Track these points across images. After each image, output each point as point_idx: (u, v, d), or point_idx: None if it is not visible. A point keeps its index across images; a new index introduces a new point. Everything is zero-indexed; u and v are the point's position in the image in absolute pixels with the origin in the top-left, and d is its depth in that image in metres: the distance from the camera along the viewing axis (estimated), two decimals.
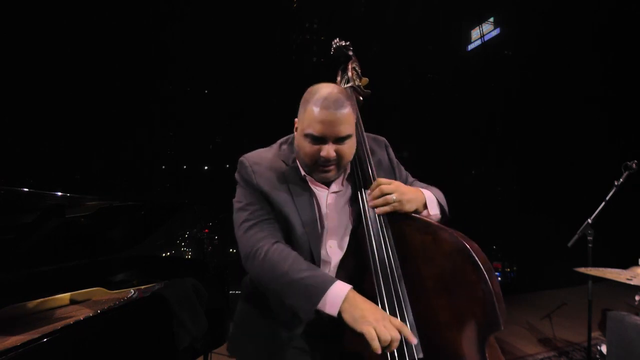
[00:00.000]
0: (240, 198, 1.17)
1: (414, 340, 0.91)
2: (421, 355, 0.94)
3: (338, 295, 0.94)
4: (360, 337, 0.89)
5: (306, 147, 1.06)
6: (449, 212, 1.21)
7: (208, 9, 4.41)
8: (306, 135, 1.05)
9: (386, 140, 1.34)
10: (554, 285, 4.89)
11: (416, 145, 4.71)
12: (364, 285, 1.03)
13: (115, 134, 4.25)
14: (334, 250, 1.17)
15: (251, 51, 4.59)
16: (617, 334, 1.85)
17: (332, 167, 1.08)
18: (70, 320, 1.52)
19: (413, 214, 1.09)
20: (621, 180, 2.43)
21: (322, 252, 1.15)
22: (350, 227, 1.19)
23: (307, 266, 1.02)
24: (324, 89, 1.06)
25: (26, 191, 1.44)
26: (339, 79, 1.37)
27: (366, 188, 1.14)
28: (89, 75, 4.01)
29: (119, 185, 4.38)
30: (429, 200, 1.14)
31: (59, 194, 1.57)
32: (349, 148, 1.08)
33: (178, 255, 4.86)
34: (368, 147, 1.21)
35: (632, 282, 1.87)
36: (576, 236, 2.46)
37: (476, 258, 0.95)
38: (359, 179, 1.16)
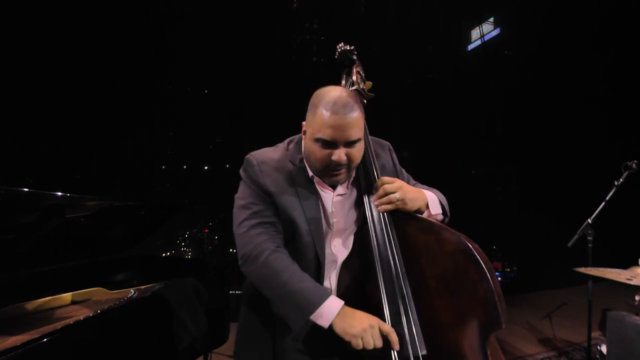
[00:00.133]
0: (243, 195, 1.16)
1: (396, 347, 0.95)
2: (425, 352, 0.95)
3: (332, 310, 0.98)
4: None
5: (317, 151, 1.06)
6: (449, 212, 1.21)
7: (208, 9, 4.42)
8: (317, 140, 1.04)
9: (390, 144, 1.35)
10: (554, 285, 4.89)
11: (416, 145, 4.71)
12: (368, 284, 1.05)
13: (115, 134, 4.26)
14: (339, 249, 1.17)
15: (251, 51, 4.59)
16: (617, 334, 1.85)
17: (342, 171, 1.08)
18: (70, 320, 1.52)
19: (416, 214, 1.10)
20: (621, 180, 2.42)
21: (327, 251, 1.16)
22: (354, 228, 1.20)
23: (305, 277, 1.03)
24: (333, 93, 1.05)
25: (26, 191, 1.44)
26: (343, 82, 1.38)
27: (371, 192, 1.14)
28: (89, 75, 4.01)
29: (119, 185, 4.38)
30: (430, 200, 1.15)
31: (59, 194, 1.57)
32: (358, 151, 1.08)
33: (178, 255, 4.86)
34: (373, 150, 1.21)
35: (632, 282, 1.87)
36: (576, 236, 2.46)
37: (478, 258, 0.96)
38: (364, 182, 1.17)
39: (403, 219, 1.09)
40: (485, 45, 5.35)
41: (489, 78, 5.16)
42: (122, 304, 1.58)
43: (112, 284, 2.12)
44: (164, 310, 1.69)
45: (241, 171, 1.19)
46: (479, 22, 5.33)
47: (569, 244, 2.48)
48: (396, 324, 0.99)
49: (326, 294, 1.00)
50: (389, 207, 1.08)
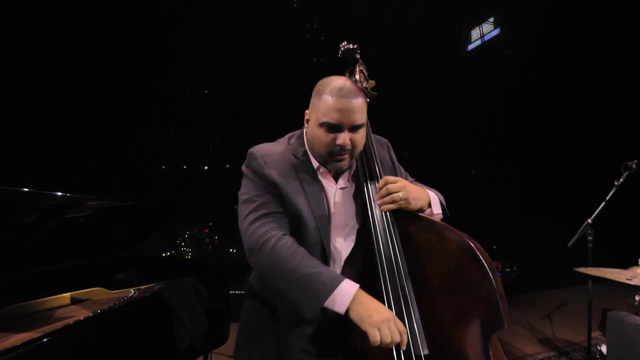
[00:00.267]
0: (246, 190, 1.15)
1: (404, 347, 0.93)
2: (427, 352, 0.95)
3: (347, 294, 0.94)
4: (365, 336, 0.91)
5: (322, 136, 1.08)
6: (449, 212, 1.21)
7: (208, 9, 4.42)
8: (321, 124, 1.07)
9: (388, 142, 1.35)
10: (554, 285, 4.89)
11: (416, 145, 4.71)
12: (370, 282, 1.04)
13: (115, 134, 4.26)
14: (341, 244, 1.17)
15: (251, 51, 4.59)
16: (617, 334, 1.85)
17: (346, 156, 1.09)
18: (70, 320, 1.52)
19: (418, 213, 1.10)
20: (621, 180, 2.42)
21: (331, 246, 1.15)
22: (356, 223, 1.20)
23: (316, 263, 1.01)
24: (337, 81, 1.09)
25: (26, 191, 1.44)
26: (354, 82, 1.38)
27: (373, 189, 1.14)
28: (89, 75, 4.01)
29: (119, 185, 4.38)
30: (432, 200, 1.16)
31: (59, 194, 1.57)
32: (361, 137, 1.10)
33: (178, 255, 4.87)
34: (375, 145, 1.22)
35: (632, 282, 1.87)
36: (576, 236, 2.46)
37: (481, 257, 0.96)
38: (366, 179, 1.17)
39: (405, 217, 1.09)
40: (485, 45, 5.35)
41: (489, 78, 5.16)
42: (122, 304, 1.58)
43: (112, 284, 2.12)
44: (164, 310, 1.69)
45: (243, 167, 1.19)
46: (479, 22, 5.33)
47: (569, 244, 2.48)
48: None
49: (340, 278, 0.97)
50: (392, 206, 1.08)
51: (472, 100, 5.08)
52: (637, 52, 4.95)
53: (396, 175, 1.30)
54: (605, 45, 5.00)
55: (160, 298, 1.71)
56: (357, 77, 1.33)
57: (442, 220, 1.16)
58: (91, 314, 1.47)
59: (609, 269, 2.11)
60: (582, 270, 2.14)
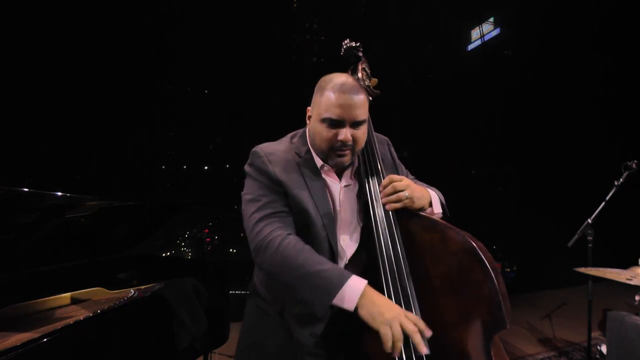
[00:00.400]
0: (250, 190, 1.15)
1: (429, 333, 0.90)
2: (428, 352, 0.93)
3: (355, 290, 0.94)
4: (375, 335, 0.89)
5: (323, 131, 1.08)
6: (449, 211, 1.22)
7: (208, 9, 4.42)
8: (323, 120, 1.07)
9: (388, 140, 1.36)
10: (554, 285, 4.88)
11: (416, 145, 4.71)
12: (373, 282, 1.03)
13: (115, 134, 4.25)
14: (347, 243, 1.17)
15: (251, 51, 4.59)
16: (617, 334, 1.85)
17: (347, 152, 1.10)
18: (70, 320, 1.52)
19: (421, 212, 1.10)
20: (621, 180, 2.43)
21: (338, 244, 1.15)
22: (359, 221, 1.20)
23: (323, 260, 1.01)
24: (339, 77, 1.10)
25: (26, 191, 1.44)
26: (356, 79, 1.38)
27: (373, 180, 1.14)
28: (89, 75, 4.01)
29: (119, 185, 4.38)
30: (433, 199, 1.16)
31: (59, 194, 1.57)
32: (363, 134, 1.11)
33: (178, 255, 4.86)
34: (376, 143, 1.22)
35: (632, 282, 1.87)
36: (576, 236, 2.46)
37: (483, 257, 0.95)
38: (367, 172, 1.17)
39: (407, 216, 1.09)
40: (485, 45, 5.35)
41: (489, 78, 5.16)
42: (122, 304, 1.58)
43: (112, 284, 2.12)
44: (164, 310, 1.69)
45: (246, 166, 1.19)
46: (479, 22, 5.33)
47: (569, 244, 2.48)
48: None
49: (347, 274, 0.96)
50: (397, 205, 1.08)
51: (472, 100, 5.08)
52: (637, 52, 4.95)
53: (397, 173, 1.30)
54: (605, 45, 5.00)
55: (160, 298, 1.71)
56: (360, 75, 1.33)
57: (442, 219, 1.16)
58: (91, 314, 1.47)
59: (609, 269, 2.11)
60: (582, 270, 2.14)
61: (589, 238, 2.42)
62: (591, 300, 2.44)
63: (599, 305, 2.74)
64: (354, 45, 1.36)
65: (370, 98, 1.34)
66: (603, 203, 2.45)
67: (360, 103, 1.07)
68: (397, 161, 1.34)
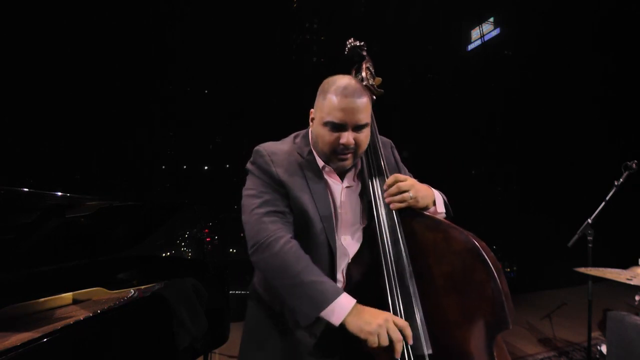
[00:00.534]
0: (253, 186, 1.14)
1: (410, 341, 0.93)
2: (430, 352, 0.94)
3: (344, 308, 0.95)
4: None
5: (325, 135, 1.08)
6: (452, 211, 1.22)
7: (208, 9, 4.42)
8: (326, 124, 1.07)
9: (392, 142, 1.36)
10: (554, 285, 4.89)
11: (416, 145, 4.71)
12: (376, 281, 1.03)
13: (115, 134, 4.25)
14: (349, 242, 1.17)
15: (251, 51, 4.59)
16: (617, 334, 1.85)
17: (349, 156, 1.10)
18: (70, 320, 1.52)
19: (424, 212, 1.10)
20: (621, 180, 2.43)
21: (338, 243, 1.15)
22: (362, 222, 1.20)
23: (319, 272, 1.01)
24: (343, 80, 1.09)
25: (26, 191, 1.44)
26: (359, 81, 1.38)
27: (377, 180, 1.14)
28: (89, 75, 4.01)
29: (119, 185, 4.38)
30: (437, 198, 1.16)
31: (59, 194, 1.57)
32: (365, 137, 1.11)
33: (178, 255, 4.86)
34: (380, 143, 1.22)
35: (632, 282, 1.87)
36: (576, 236, 2.46)
37: (486, 257, 0.95)
38: (372, 172, 1.16)
39: (411, 216, 1.08)
40: (485, 45, 5.35)
41: (489, 78, 5.16)
42: (122, 304, 1.58)
43: (112, 284, 2.12)
44: (164, 310, 1.69)
45: (249, 164, 1.18)
46: (479, 22, 5.33)
47: (569, 244, 2.48)
48: None
49: (339, 291, 0.98)
50: (401, 205, 1.08)
51: (472, 100, 5.08)
52: (637, 52, 4.95)
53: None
54: (605, 45, 5.00)
55: (160, 298, 1.71)
56: (364, 74, 1.33)
57: (446, 219, 1.16)
58: (91, 314, 1.47)
59: (609, 269, 2.11)
60: (582, 270, 2.14)
61: (589, 238, 2.42)
62: (591, 300, 2.44)
63: (599, 305, 2.74)
64: (358, 44, 1.36)
65: (374, 97, 1.34)
66: (603, 203, 2.45)
67: (363, 107, 1.06)
68: (401, 164, 1.34)
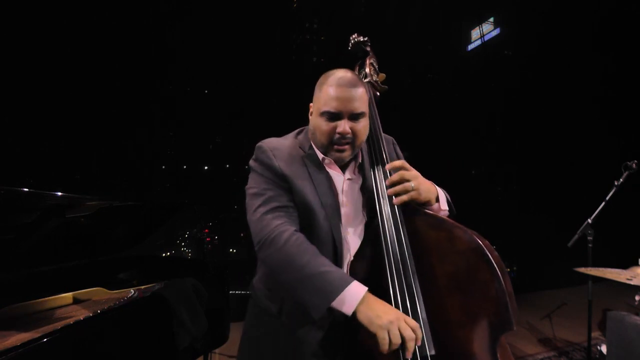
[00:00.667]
0: (255, 184, 1.14)
1: (419, 342, 0.90)
2: (433, 352, 0.93)
3: (355, 296, 0.94)
4: (374, 338, 0.89)
5: (322, 125, 1.09)
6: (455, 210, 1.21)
7: (208, 9, 4.41)
8: (322, 114, 1.09)
9: (394, 139, 1.36)
10: (554, 285, 4.89)
11: (416, 145, 4.70)
12: (378, 279, 1.02)
13: (115, 134, 4.25)
14: (351, 237, 1.16)
15: (251, 51, 4.59)
16: (617, 334, 1.85)
17: (347, 146, 1.10)
18: (70, 320, 1.52)
19: (428, 210, 1.09)
20: (621, 180, 2.43)
21: (342, 237, 1.14)
22: (363, 216, 1.19)
23: (327, 262, 1.00)
24: (339, 72, 1.11)
25: (26, 191, 1.44)
26: (356, 73, 1.37)
27: (379, 173, 1.13)
28: (89, 75, 4.00)
29: (119, 185, 4.38)
30: (440, 195, 1.15)
31: (59, 194, 1.57)
32: (363, 127, 1.11)
33: (178, 255, 4.86)
34: (382, 137, 1.22)
35: (632, 282, 1.87)
36: (576, 236, 2.46)
37: (490, 257, 0.95)
38: (373, 164, 1.16)
39: (414, 214, 1.07)
40: (485, 45, 5.35)
41: (489, 78, 5.16)
42: (122, 304, 1.58)
43: (112, 284, 2.12)
44: (164, 310, 1.69)
45: (251, 161, 1.18)
46: (479, 22, 5.33)
47: (569, 244, 2.48)
48: None
49: (349, 279, 0.96)
50: (403, 197, 1.07)
51: (472, 100, 5.08)
52: (637, 52, 4.95)
53: None
54: (605, 45, 5.00)
55: (160, 298, 1.71)
56: (367, 70, 1.32)
57: (449, 218, 1.16)
58: (91, 314, 1.47)
59: (609, 269, 2.11)
60: (582, 270, 2.14)
61: (589, 238, 2.42)
62: (591, 300, 2.44)
63: (599, 305, 2.74)
64: (361, 39, 1.36)
65: (378, 94, 1.34)
66: (603, 203, 2.45)
67: (358, 96, 1.07)
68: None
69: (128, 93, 4.26)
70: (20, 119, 3.76)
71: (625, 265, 2.12)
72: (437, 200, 1.13)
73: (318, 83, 1.14)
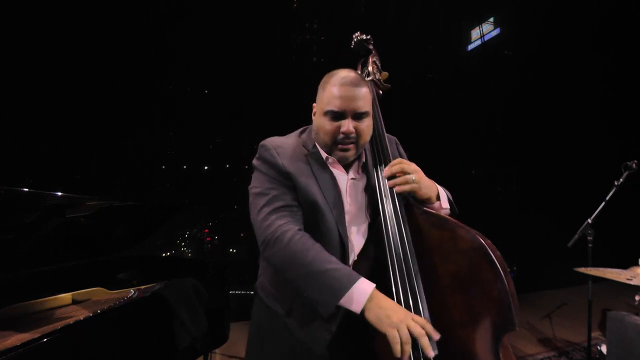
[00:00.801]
0: (259, 183, 1.14)
1: (437, 336, 0.89)
2: (436, 352, 0.92)
3: (363, 293, 0.93)
4: (382, 337, 0.88)
5: (326, 124, 1.09)
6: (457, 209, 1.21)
7: (208, 9, 4.41)
8: (326, 113, 1.08)
9: (397, 139, 1.35)
10: (554, 285, 4.89)
11: (416, 145, 4.70)
12: (381, 278, 1.01)
13: (115, 134, 4.25)
14: (354, 236, 1.16)
15: (251, 51, 4.59)
16: (617, 334, 1.85)
17: (351, 146, 1.10)
18: (70, 320, 1.52)
19: (429, 209, 1.08)
20: (621, 180, 2.43)
21: (347, 237, 1.14)
22: (367, 216, 1.19)
23: (332, 259, 1.00)
24: (342, 72, 1.11)
25: (26, 191, 1.44)
26: (359, 72, 1.37)
27: (382, 172, 1.13)
28: (89, 75, 4.00)
29: (119, 185, 4.37)
30: (441, 194, 1.14)
31: (59, 194, 1.57)
32: (366, 127, 1.10)
33: (178, 255, 4.86)
34: (386, 137, 1.21)
35: (632, 282, 1.87)
36: (576, 236, 2.46)
37: (493, 257, 0.94)
38: (377, 163, 1.16)
39: (417, 213, 1.07)
40: (485, 45, 5.35)
41: (489, 78, 5.16)
42: (122, 304, 1.58)
43: (112, 284, 2.12)
44: (164, 310, 1.69)
45: (255, 160, 1.18)
46: (479, 22, 5.33)
47: (569, 244, 2.48)
48: None
49: (356, 276, 0.96)
50: (405, 187, 1.06)
51: (472, 100, 5.08)
52: (637, 52, 4.95)
53: None
54: (605, 45, 5.00)
55: (160, 298, 1.71)
56: (370, 68, 1.32)
57: (451, 217, 1.15)
58: (91, 314, 1.47)
59: (609, 269, 2.11)
60: (582, 270, 2.15)
61: (589, 238, 2.42)
62: (591, 300, 2.44)
63: (599, 305, 2.74)
64: (364, 38, 1.35)
65: (381, 92, 1.34)
66: (603, 203, 2.45)
67: (362, 95, 1.07)
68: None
69: (128, 93, 4.26)
70: (20, 119, 3.76)
71: (625, 265, 2.12)
72: (438, 198, 1.13)
73: (321, 83, 1.13)
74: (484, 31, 5.35)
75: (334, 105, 1.06)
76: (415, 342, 0.88)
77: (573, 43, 4.95)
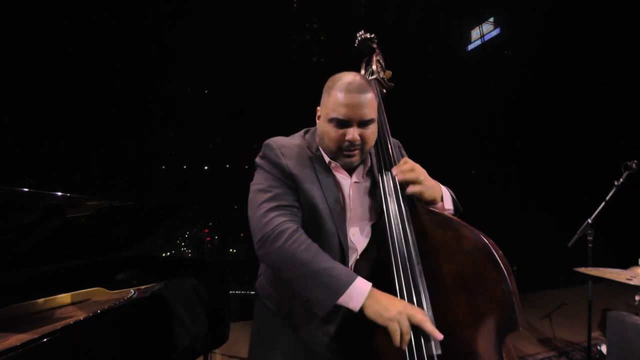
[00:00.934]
0: (261, 180, 1.13)
1: (440, 337, 0.91)
2: (439, 352, 0.92)
3: (362, 291, 0.94)
4: (382, 334, 0.90)
5: (331, 131, 1.08)
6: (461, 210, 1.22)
7: (208, 9, 4.41)
8: (331, 120, 1.07)
9: (399, 142, 1.35)
10: (554, 285, 4.89)
11: (416, 146, 4.69)
12: (385, 277, 1.02)
13: (115, 134, 4.25)
14: (357, 237, 1.16)
15: (251, 51, 4.59)
16: (617, 334, 1.85)
17: (356, 152, 1.09)
18: (70, 320, 1.52)
19: (434, 209, 1.09)
20: (621, 180, 2.43)
21: (348, 239, 1.14)
22: (370, 218, 1.19)
23: (329, 259, 1.00)
24: (347, 76, 1.09)
25: (26, 191, 1.44)
26: (363, 71, 1.37)
27: (387, 175, 1.13)
28: (89, 75, 4.00)
29: (119, 185, 4.37)
30: (445, 194, 1.15)
31: (59, 194, 1.57)
32: (372, 133, 1.10)
33: (178, 255, 4.86)
34: (390, 138, 1.21)
35: (632, 282, 1.87)
36: (576, 236, 2.46)
37: (497, 257, 0.94)
38: (382, 166, 1.16)
39: (421, 213, 1.07)
40: (485, 45, 5.35)
41: (489, 78, 5.16)
42: (122, 304, 1.58)
43: (112, 284, 2.12)
44: (164, 310, 1.69)
45: (258, 158, 1.18)
46: (479, 22, 5.33)
47: (569, 244, 2.48)
48: None
49: (353, 275, 0.97)
50: (416, 188, 1.07)
51: (472, 100, 5.08)
52: (637, 52, 4.95)
53: None
54: (605, 45, 5.00)
55: (160, 298, 1.70)
56: (374, 67, 1.32)
57: (455, 216, 1.15)
58: (91, 314, 1.47)
59: (609, 269, 2.11)
60: (582, 270, 2.14)
61: (589, 238, 2.42)
62: (591, 300, 2.44)
63: (599, 305, 2.74)
64: (368, 36, 1.35)
65: (385, 91, 1.34)
66: (603, 203, 2.45)
67: (368, 102, 1.05)
68: None
69: (128, 93, 4.26)
70: (20, 119, 3.76)
71: (625, 265, 2.12)
72: (442, 199, 1.13)
73: (326, 87, 1.11)
74: (484, 31, 5.35)
75: (339, 114, 1.05)
76: (418, 340, 0.89)
77: (573, 43, 4.95)
